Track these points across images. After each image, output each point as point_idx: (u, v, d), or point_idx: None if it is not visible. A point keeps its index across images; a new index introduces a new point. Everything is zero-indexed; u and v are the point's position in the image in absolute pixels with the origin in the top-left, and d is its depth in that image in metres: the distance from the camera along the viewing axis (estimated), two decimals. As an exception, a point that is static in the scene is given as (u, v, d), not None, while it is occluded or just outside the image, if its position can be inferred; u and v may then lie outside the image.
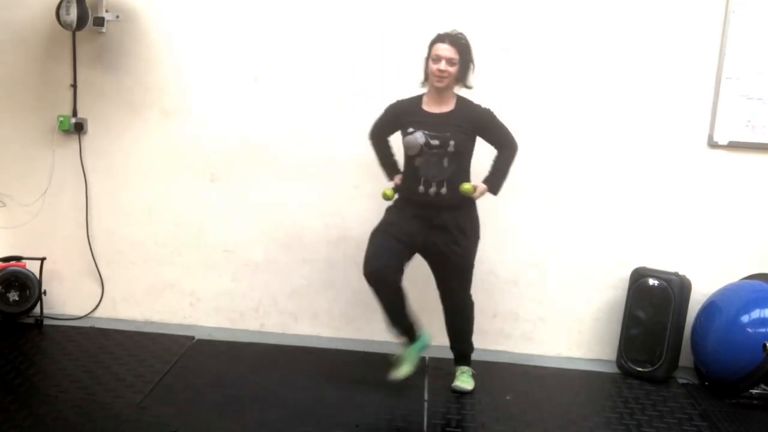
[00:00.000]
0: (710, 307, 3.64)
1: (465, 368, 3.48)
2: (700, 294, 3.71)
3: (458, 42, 3.15)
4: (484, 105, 3.29)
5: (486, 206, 3.85)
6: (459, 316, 3.44)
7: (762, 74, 3.68)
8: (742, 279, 3.71)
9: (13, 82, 3.94)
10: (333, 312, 4.01)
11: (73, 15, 3.61)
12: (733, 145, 3.75)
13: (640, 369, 3.70)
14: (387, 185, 3.39)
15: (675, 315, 3.63)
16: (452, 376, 3.51)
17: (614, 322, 3.87)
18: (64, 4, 3.63)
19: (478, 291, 3.90)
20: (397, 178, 3.35)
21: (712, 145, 3.76)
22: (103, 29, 3.79)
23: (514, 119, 3.77)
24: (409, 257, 3.29)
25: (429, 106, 3.22)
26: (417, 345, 3.42)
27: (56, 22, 3.66)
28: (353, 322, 3.97)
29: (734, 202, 3.79)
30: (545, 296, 3.91)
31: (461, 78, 3.20)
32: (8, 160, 4.00)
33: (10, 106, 3.96)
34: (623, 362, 3.77)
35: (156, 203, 4.00)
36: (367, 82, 3.78)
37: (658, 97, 3.74)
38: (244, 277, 4.02)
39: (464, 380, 3.43)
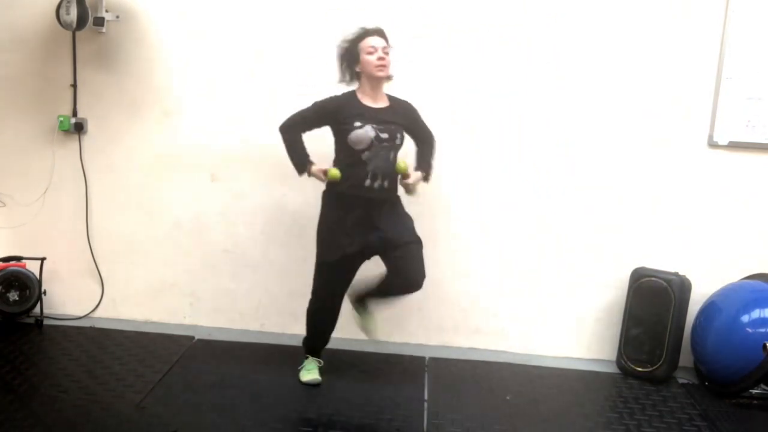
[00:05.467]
0: (710, 307, 3.64)
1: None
2: (700, 294, 3.70)
3: (384, 34, 3.21)
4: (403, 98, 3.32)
5: (486, 206, 3.87)
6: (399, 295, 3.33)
7: (762, 74, 3.68)
8: (742, 279, 3.71)
9: (13, 82, 3.94)
10: (333, 312, 4.00)
11: (73, 15, 3.61)
12: (733, 145, 3.75)
13: (640, 369, 3.70)
14: (330, 166, 3.22)
15: (675, 315, 3.63)
16: (453, 376, 3.51)
17: (614, 322, 3.87)
18: (64, 4, 3.63)
19: (479, 290, 3.92)
20: (317, 168, 3.23)
21: (712, 145, 3.77)
22: (103, 29, 3.79)
23: (513, 119, 3.79)
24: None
25: (367, 101, 3.23)
26: (315, 365, 3.47)
27: (56, 22, 3.66)
28: (353, 321, 3.96)
29: (734, 202, 3.79)
30: (545, 296, 3.91)
31: None
32: (8, 160, 4.00)
33: (10, 106, 3.97)
34: (623, 362, 3.77)
35: (156, 203, 4.00)
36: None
37: (658, 97, 3.74)
38: (244, 277, 4.02)
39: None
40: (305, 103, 3.83)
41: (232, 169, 3.93)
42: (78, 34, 3.79)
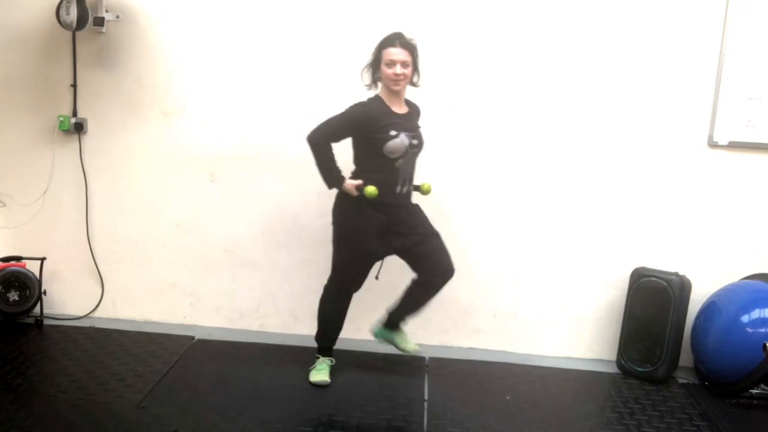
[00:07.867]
0: (710, 307, 3.64)
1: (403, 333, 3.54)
2: (700, 294, 3.71)
3: (409, 44, 3.17)
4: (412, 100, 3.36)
5: (486, 206, 3.87)
6: (438, 288, 3.39)
7: (762, 74, 3.68)
8: (742, 279, 3.71)
9: (13, 82, 3.94)
10: (333, 312, 4.00)
11: (73, 15, 3.61)
12: (733, 145, 3.75)
13: (640, 369, 3.70)
14: (368, 184, 3.20)
15: (675, 315, 3.63)
16: (453, 376, 3.51)
17: (614, 322, 3.87)
18: (64, 4, 3.63)
19: (479, 290, 3.92)
20: (351, 183, 3.20)
21: (712, 145, 3.77)
22: (103, 29, 3.79)
23: (514, 119, 3.79)
24: None
25: (394, 108, 3.23)
26: (329, 362, 3.48)
27: (56, 22, 3.66)
28: (353, 321, 3.95)
29: (734, 202, 3.79)
30: (545, 296, 3.91)
31: (411, 78, 3.23)
32: (8, 160, 4.00)
33: (10, 106, 3.97)
34: (623, 362, 3.77)
35: (156, 203, 4.00)
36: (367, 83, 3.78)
37: (659, 97, 3.74)
38: (244, 277, 4.02)
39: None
40: (304, 102, 3.85)
41: (232, 169, 3.93)
42: (78, 34, 3.79)
